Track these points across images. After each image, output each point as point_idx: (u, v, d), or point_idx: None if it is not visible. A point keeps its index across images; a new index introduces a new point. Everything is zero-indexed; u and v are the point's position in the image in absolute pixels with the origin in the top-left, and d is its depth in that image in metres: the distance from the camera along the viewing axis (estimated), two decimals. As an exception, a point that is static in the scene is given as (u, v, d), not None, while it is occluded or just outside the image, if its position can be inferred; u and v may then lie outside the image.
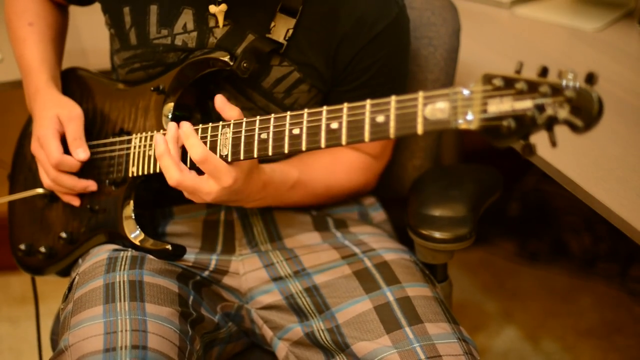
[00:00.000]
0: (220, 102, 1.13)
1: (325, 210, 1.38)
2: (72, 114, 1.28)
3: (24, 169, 1.44)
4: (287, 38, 1.21)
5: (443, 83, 1.48)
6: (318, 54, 1.24)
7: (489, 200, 1.41)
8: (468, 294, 2.31)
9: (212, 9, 1.22)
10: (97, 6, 1.35)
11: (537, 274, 2.37)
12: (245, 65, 1.20)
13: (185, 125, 1.14)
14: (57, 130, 1.27)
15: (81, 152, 1.26)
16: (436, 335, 1.13)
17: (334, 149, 1.31)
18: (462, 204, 1.32)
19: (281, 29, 1.21)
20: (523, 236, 2.47)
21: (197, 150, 1.10)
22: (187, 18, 1.24)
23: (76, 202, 1.31)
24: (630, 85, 1.53)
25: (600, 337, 2.14)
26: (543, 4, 1.94)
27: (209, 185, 1.12)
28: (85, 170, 1.29)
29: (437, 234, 1.27)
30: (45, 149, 1.27)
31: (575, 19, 1.85)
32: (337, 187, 1.33)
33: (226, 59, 1.20)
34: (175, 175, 1.12)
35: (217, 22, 1.24)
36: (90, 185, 1.29)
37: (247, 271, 1.30)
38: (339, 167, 1.32)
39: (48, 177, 1.29)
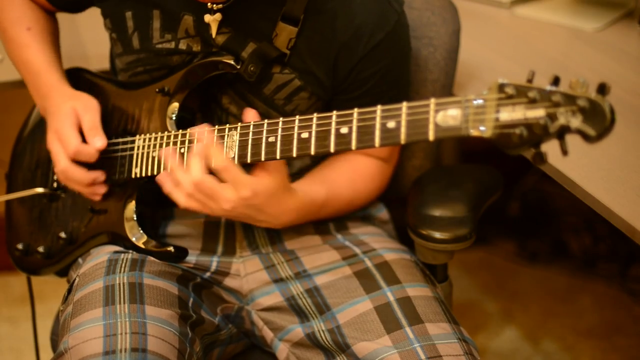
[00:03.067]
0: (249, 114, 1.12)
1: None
2: (88, 104, 1.27)
3: (22, 168, 1.44)
4: (289, 47, 1.21)
5: (443, 83, 1.48)
6: (318, 63, 1.24)
7: (489, 201, 1.41)
8: (468, 294, 2.31)
9: (207, 18, 1.22)
10: (86, 9, 1.35)
11: (537, 274, 2.37)
12: (252, 69, 1.20)
13: (210, 136, 1.11)
14: (74, 122, 1.25)
15: (98, 140, 1.24)
16: (436, 335, 1.13)
17: (349, 159, 1.31)
18: (462, 204, 1.32)
19: (283, 38, 1.21)
20: (523, 236, 2.47)
21: (219, 157, 1.08)
22: (187, 24, 1.24)
23: (100, 190, 1.28)
24: (630, 85, 1.53)
25: (600, 337, 2.14)
26: (543, 4, 1.94)
27: (229, 192, 1.09)
28: (88, 170, 1.28)
29: (437, 234, 1.27)
30: (62, 140, 1.24)
31: (575, 19, 1.85)
32: (358, 199, 1.33)
33: (231, 62, 1.20)
34: (198, 173, 1.09)
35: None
36: (99, 176, 1.26)
37: (248, 273, 1.30)
38: (359, 178, 1.32)
39: (57, 168, 1.26)
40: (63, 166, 1.25)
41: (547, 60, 1.68)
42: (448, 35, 1.48)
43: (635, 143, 1.35)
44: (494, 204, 1.45)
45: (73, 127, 1.24)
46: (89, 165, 1.27)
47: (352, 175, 1.31)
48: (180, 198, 1.13)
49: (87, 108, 1.26)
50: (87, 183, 1.27)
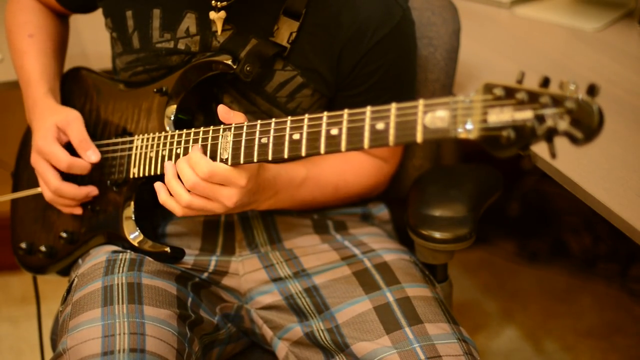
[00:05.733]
0: (223, 111, 1.11)
1: (326, 212, 1.37)
2: (69, 117, 1.27)
3: (27, 167, 1.44)
4: (290, 41, 1.21)
5: (443, 83, 1.48)
6: (321, 59, 1.23)
7: (489, 200, 1.41)
8: (468, 294, 2.31)
9: (212, 15, 1.22)
10: (98, 9, 1.35)
11: (537, 274, 2.37)
12: (248, 69, 1.20)
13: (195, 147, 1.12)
14: (56, 138, 1.26)
15: (92, 154, 1.26)
16: (436, 335, 1.13)
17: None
18: (462, 204, 1.32)
19: (284, 32, 1.21)
20: (523, 236, 2.47)
21: (202, 166, 1.08)
22: (189, 22, 1.24)
23: (78, 211, 1.31)
24: (630, 85, 1.53)
25: (600, 337, 2.14)
26: (543, 4, 1.94)
27: (227, 191, 1.10)
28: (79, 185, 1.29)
29: (437, 234, 1.27)
30: (51, 157, 1.26)
31: (575, 19, 1.85)
32: (345, 188, 1.32)
33: (229, 62, 1.20)
34: (192, 177, 1.09)
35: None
36: (92, 191, 1.29)
37: (247, 272, 1.30)
38: (348, 168, 1.32)
39: (49, 188, 1.28)
40: (55, 186, 1.26)
41: (547, 61, 1.68)
42: (448, 35, 1.48)
43: (635, 143, 1.35)
44: (494, 204, 1.45)
45: (56, 144, 1.26)
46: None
47: (342, 165, 1.31)
48: (176, 207, 1.14)
49: (69, 121, 1.27)
50: (80, 199, 1.28)
